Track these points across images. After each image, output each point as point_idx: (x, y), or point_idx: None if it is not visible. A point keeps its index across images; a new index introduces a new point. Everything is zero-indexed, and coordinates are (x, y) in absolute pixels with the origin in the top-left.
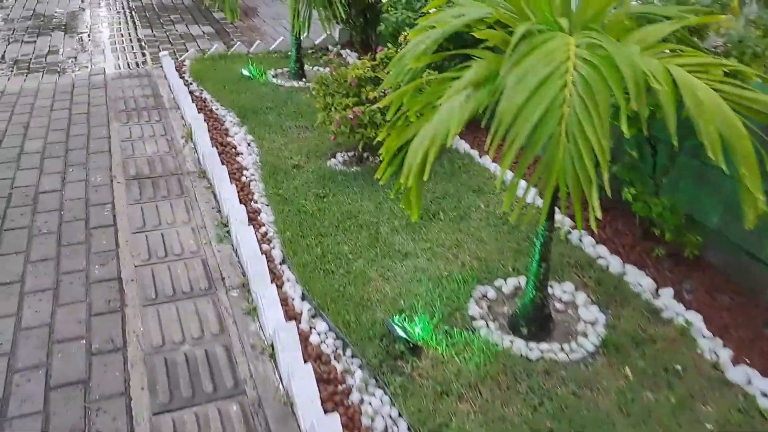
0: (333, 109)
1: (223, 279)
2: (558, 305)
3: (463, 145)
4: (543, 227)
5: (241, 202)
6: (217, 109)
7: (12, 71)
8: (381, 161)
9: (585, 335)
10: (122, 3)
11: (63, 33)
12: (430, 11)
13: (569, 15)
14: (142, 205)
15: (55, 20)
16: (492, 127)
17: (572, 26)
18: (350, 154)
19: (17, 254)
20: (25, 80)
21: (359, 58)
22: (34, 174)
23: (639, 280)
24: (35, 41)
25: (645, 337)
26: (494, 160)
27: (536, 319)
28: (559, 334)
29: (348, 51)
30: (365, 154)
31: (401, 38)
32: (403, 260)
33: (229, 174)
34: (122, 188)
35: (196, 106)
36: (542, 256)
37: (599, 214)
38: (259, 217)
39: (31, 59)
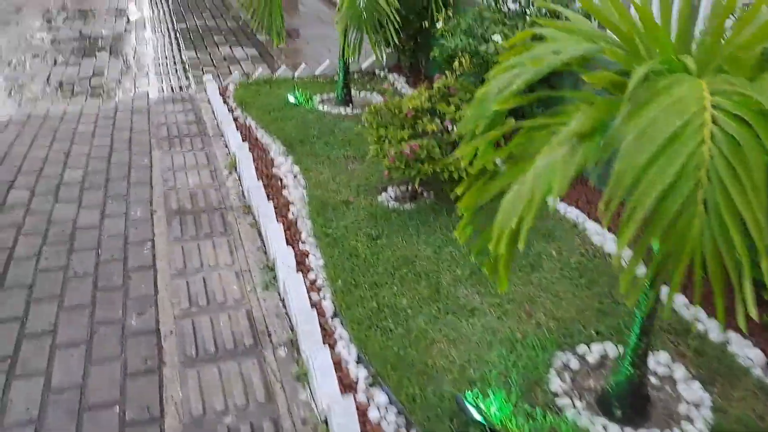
0: (387, 141)
1: (269, 334)
2: (653, 380)
3: None
4: (647, 297)
5: (288, 242)
6: (262, 137)
7: (56, 94)
8: (437, 196)
9: (689, 420)
10: (167, 24)
11: (108, 54)
12: (508, 46)
13: (692, 52)
14: (184, 244)
15: (100, 41)
16: (607, 192)
17: (700, 66)
18: (402, 188)
19: (51, 299)
20: (68, 104)
21: (408, 83)
22: (73, 207)
23: (746, 351)
24: (80, 63)
25: (762, 427)
26: (577, 205)
27: (633, 400)
28: (658, 417)
29: (396, 75)
30: (419, 189)
31: (456, 64)
32: (469, 318)
33: (275, 209)
34: (163, 224)
35: (241, 133)
36: (644, 330)
37: (754, 312)
38: (307, 261)
39: (75, 82)
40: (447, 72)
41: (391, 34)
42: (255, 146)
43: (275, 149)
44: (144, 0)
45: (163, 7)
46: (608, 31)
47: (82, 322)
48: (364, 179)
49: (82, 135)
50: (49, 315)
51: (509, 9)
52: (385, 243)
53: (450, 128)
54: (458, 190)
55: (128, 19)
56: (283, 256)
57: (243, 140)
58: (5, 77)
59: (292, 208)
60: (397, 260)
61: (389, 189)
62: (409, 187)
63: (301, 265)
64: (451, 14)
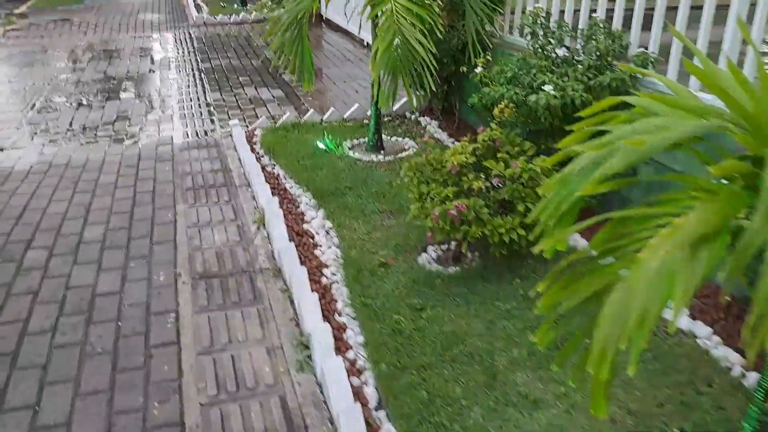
0: (429, 199)
1: (306, 427)
2: None
3: (581, 242)
4: (759, 409)
5: (323, 314)
6: (291, 188)
7: (79, 139)
8: (483, 257)
9: None
10: (192, 64)
11: (132, 96)
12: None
13: None
14: (210, 314)
15: (125, 83)
16: (753, 311)
17: None
18: (444, 247)
19: (66, 383)
20: (91, 150)
21: (441, 127)
22: (92, 271)
23: None
24: (104, 106)
25: None
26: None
27: None
28: None
29: (428, 119)
30: (463, 248)
31: (496, 111)
32: (532, 411)
33: (307, 273)
34: (188, 290)
35: (269, 184)
36: None
37: None
38: (345, 336)
39: (98, 126)
40: (490, 122)
41: (428, 81)
42: (284, 198)
43: (305, 201)
44: (169, 39)
45: (187, 46)
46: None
47: (100, 413)
48: (402, 237)
49: (103, 186)
50: (63, 403)
51: (557, 55)
52: (431, 316)
53: (498, 185)
54: (539, 288)
55: (152, 59)
56: (319, 333)
57: (272, 192)
58: (28, 121)
59: (326, 271)
60: (446, 338)
61: (429, 249)
62: (451, 246)
63: (339, 341)
64: (490, 58)
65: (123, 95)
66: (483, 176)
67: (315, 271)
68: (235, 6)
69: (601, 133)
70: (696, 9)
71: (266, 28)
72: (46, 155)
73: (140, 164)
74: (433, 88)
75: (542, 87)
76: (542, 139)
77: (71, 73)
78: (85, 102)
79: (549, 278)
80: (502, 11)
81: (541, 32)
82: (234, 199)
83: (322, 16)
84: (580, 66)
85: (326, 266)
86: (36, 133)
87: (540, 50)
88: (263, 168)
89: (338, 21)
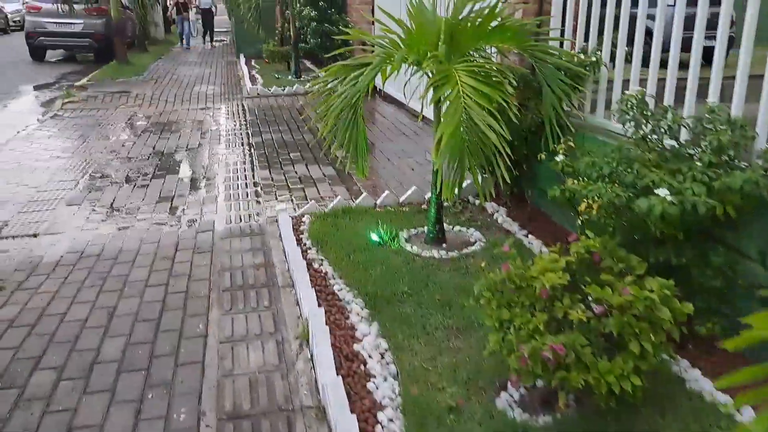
0: (513, 329)
1: None
2: None
3: (689, 372)
4: None
5: None
6: (340, 290)
7: (117, 223)
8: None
9: None
10: (242, 138)
11: (178, 175)
12: None
13: None
14: None
15: (173, 159)
16: None
17: None
18: (529, 384)
19: None
20: (127, 236)
21: (510, 215)
22: (102, 403)
23: None
24: (148, 184)
25: None
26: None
27: None
28: None
29: (495, 205)
30: (560, 401)
31: (582, 207)
32: None
33: (357, 418)
34: None
35: (316, 286)
36: None
37: None
38: None
39: (140, 207)
40: (576, 219)
41: (500, 169)
42: (332, 305)
43: (356, 310)
44: (222, 111)
45: (239, 119)
46: None
47: None
48: (474, 365)
49: (133, 285)
50: None
51: (664, 146)
52: None
53: (601, 314)
54: None
55: (204, 132)
56: None
57: (318, 301)
58: (69, 201)
59: (381, 416)
60: None
61: (509, 386)
62: (539, 383)
63: None
64: (572, 144)
65: (169, 172)
66: (580, 297)
67: (367, 415)
68: (290, 78)
69: None
70: None
71: (318, 111)
72: (80, 243)
73: (177, 255)
74: (507, 179)
75: (654, 190)
76: (650, 251)
77: (121, 148)
78: (130, 180)
79: None
80: (582, 88)
81: (643, 120)
82: (275, 303)
83: (375, 86)
84: (698, 163)
85: (381, 408)
86: (74, 215)
87: (642, 140)
88: (309, 264)
89: (391, 91)
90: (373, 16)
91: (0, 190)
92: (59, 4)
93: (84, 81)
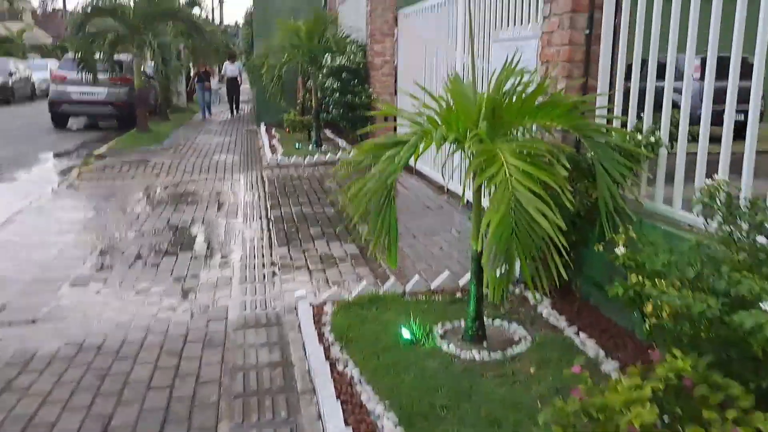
0: None
1: None
2: None
3: None
4: None
5: None
6: (368, 401)
7: (122, 310)
8: None
9: None
10: (260, 211)
11: (192, 252)
12: None
13: None
14: None
15: (187, 234)
16: None
17: None
18: None
19: None
20: (132, 326)
21: (556, 308)
22: None
23: None
24: (159, 263)
25: None
26: None
27: None
28: None
29: (538, 294)
30: None
31: (649, 309)
32: None
33: None
34: None
35: (341, 396)
36: None
37: None
38: None
39: (149, 289)
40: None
41: (555, 261)
42: (360, 419)
43: (389, 428)
44: (240, 182)
45: (258, 190)
46: None
47: None
48: None
49: (134, 386)
50: None
51: (754, 241)
52: None
53: None
54: None
55: (221, 204)
56: None
57: (345, 418)
58: (73, 282)
59: None
60: None
61: None
62: None
63: None
64: (633, 234)
65: (183, 249)
66: None
67: None
68: (310, 147)
69: None
70: None
71: (347, 192)
72: (80, 332)
73: (185, 349)
74: (565, 275)
75: (758, 302)
76: (750, 374)
77: (134, 221)
78: (140, 258)
79: None
80: (641, 169)
81: (729, 214)
82: (294, 414)
83: None
84: None
85: None
86: (78, 299)
87: (729, 236)
88: (333, 366)
89: (411, 161)
90: (395, 89)
91: (4, 267)
92: (84, 74)
93: (103, 149)
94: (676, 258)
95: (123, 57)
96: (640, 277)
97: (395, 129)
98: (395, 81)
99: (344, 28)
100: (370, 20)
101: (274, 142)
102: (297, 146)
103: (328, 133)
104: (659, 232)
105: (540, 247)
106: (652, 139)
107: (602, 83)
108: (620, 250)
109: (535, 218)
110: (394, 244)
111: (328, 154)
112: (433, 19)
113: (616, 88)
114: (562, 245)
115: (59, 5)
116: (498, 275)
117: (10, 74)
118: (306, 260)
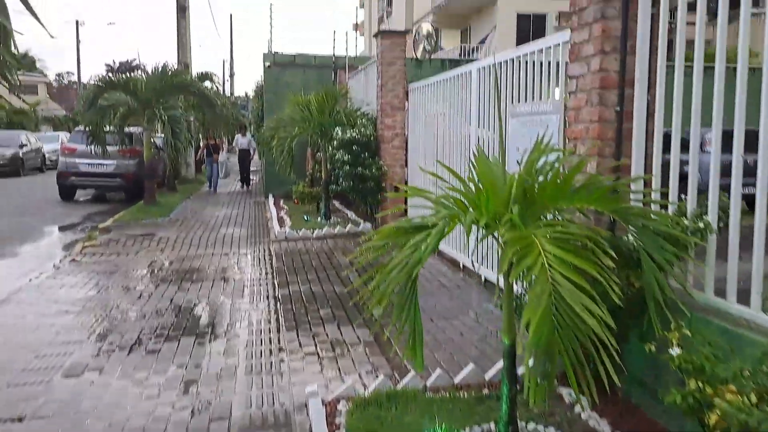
0: None
1: None
2: None
3: None
4: None
5: None
6: None
7: (116, 407)
8: None
9: None
10: (268, 290)
11: (194, 338)
12: None
13: None
14: None
15: (189, 317)
16: None
17: None
18: None
19: None
20: (126, 426)
21: (594, 408)
22: None
23: None
24: (159, 350)
25: None
26: None
27: None
28: None
29: (572, 392)
30: None
31: (713, 420)
32: None
33: None
34: None
35: None
36: None
37: None
38: None
39: (144, 381)
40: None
41: (606, 365)
42: None
43: None
44: (248, 256)
45: (266, 266)
46: None
47: None
48: None
49: None
50: None
51: None
52: None
53: None
54: None
55: (226, 281)
56: None
57: None
58: (66, 372)
59: None
60: None
61: None
62: None
63: None
64: (687, 331)
65: (185, 334)
66: None
67: None
68: (319, 219)
69: None
70: None
71: (369, 285)
72: None
73: None
74: (617, 380)
75: None
76: None
77: (136, 301)
78: (140, 343)
79: None
80: (688, 256)
81: None
82: None
83: None
84: None
85: None
86: (70, 392)
87: None
88: None
89: None
90: (406, 160)
91: None
92: (93, 146)
93: (108, 222)
94: (747, 365)
95: (133, 129)
96: (700, 383)
97: (405, 201)
98: (406, 153)
99: (355, 101)
100: (381, 94)
101: (282, 214)
102: (306, 218)
103: (336, 204)
104: (714, 329)
105: (585, 346)
106: (701, 224)
107: (636, 162)
108: (675, 350)
109: (580, 315)
110: (420, 345)
111: (338, 227)
112: (445, 93)
113: (653, 171)
114: (612, 346)
115: (74, 78)
116: (539, 377)
117: (21, 146)
118: (316, 346)
